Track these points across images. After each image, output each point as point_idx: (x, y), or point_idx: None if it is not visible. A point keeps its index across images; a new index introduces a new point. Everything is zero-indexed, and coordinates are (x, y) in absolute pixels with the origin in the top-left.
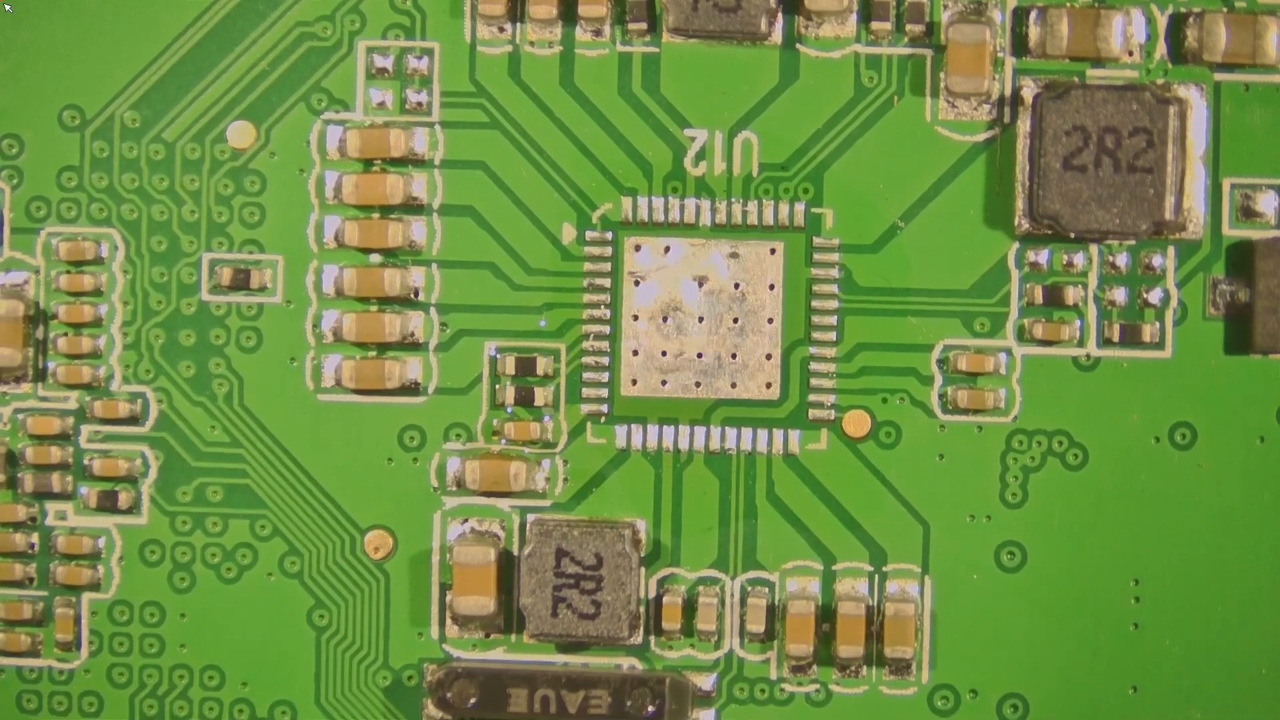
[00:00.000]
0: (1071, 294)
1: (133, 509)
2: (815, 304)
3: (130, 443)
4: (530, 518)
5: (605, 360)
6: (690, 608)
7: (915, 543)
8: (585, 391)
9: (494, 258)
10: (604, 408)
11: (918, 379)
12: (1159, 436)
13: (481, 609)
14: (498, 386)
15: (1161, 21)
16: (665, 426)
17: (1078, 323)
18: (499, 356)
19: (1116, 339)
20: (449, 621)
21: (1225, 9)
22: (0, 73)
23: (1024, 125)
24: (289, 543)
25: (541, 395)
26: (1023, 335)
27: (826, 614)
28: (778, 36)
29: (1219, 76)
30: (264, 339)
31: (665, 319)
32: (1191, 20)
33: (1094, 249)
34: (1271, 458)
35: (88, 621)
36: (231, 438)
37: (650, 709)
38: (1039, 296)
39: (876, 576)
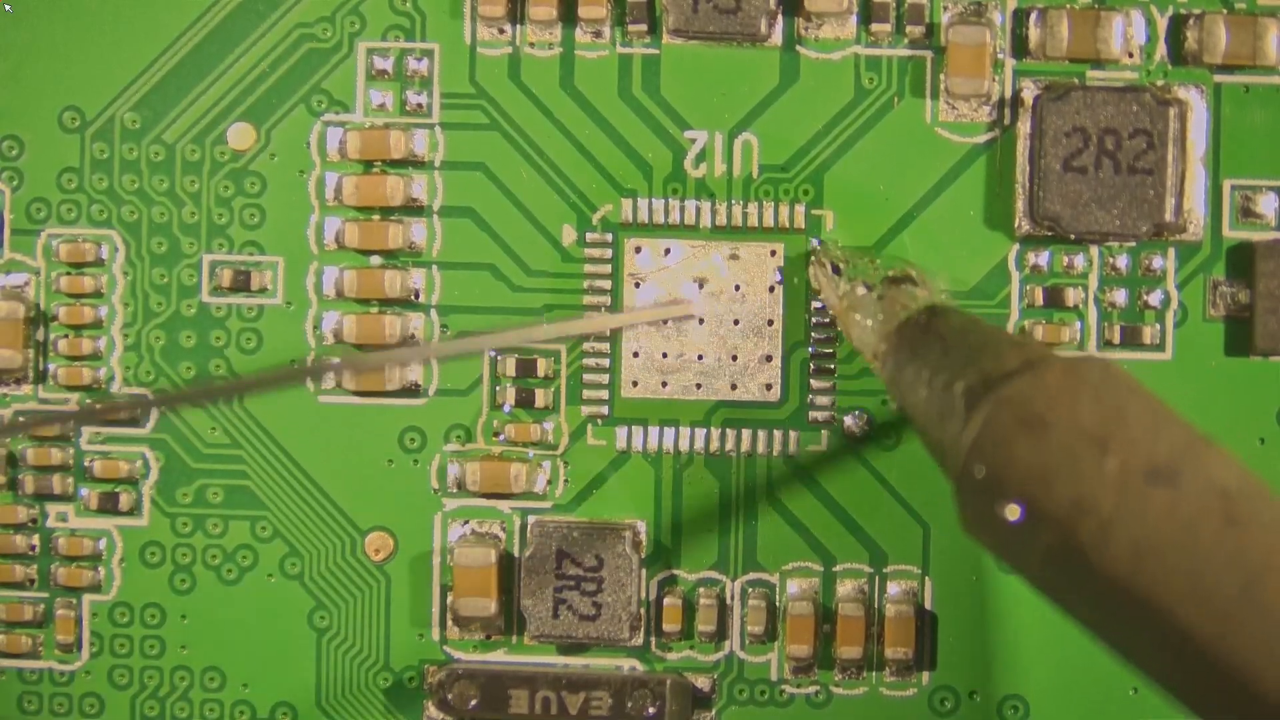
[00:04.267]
0: (1072, 295)
1: (133, 510)
2: (815, 305)
3: (131, 444)
4: (531, 519)
5: (605, 362)
6: (691, 609)
7: (915, 544)
8: (586, 393)
9: (494, 259)
10: (604, 409)
11: None
12: None
13: (482, 610)
14: (498, 388)
15: (1161, 23)
16: (665, 428)
17: (1078, 324)
18: (499, 358)
19: (1117, 340)
20: (450, 623)
21: (1225, 10)
22: (0, 73)
23: (1024, 127)
24: (289, 544)
25: (542, 397)
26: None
27: (827, 615)
28: (778, 38)
29: (1219, 78)
30: (264, 341)
31: (665, 320)
32: (1191, 22)
33: (1094, 250)
34: (1271, 459)
35: (88, 623)
36: (232, 439)
37: (651, 710)
38: (1039, 298)
39: (877, 578)
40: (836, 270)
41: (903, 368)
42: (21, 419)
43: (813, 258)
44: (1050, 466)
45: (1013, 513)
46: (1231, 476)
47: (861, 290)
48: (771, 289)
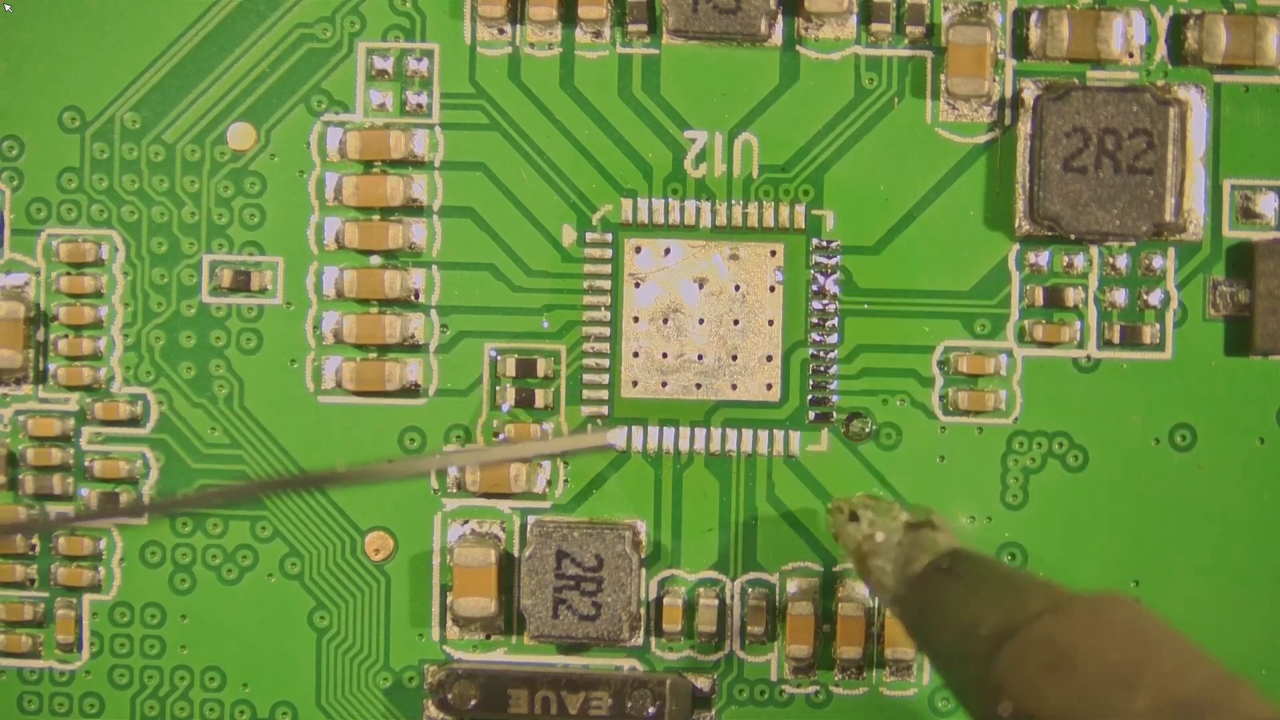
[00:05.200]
0: (1072, 295)
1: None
2: (815, 305)
3: (131, 444)
4: (531, 519)
5: (605, 362)
6: (691, 609)
7: None
8: (585, 393)
9: (494, 259)
10: (604, 409)
11: (918, 380)
12: (1159, 438)
13: (482, 610)
14: (498, 388)
15: (1161, 23)
16: (665, 428)
17: (1078, 324)
18: (499, 358)
19: (1117, 340)
20: (449, 623)
21: (1225, 10)
22: (0, 73)
23: (1024, 127)
24: (289, 544)
25: (542, 397)
26: (1023, 337)
27: (827, 615)
28: (778, 38)
29: (1219, 78)
30: (264, 341)
31: (665, 320)
32: (1191, 22)
33: (1094, 250)
34: (1271, 458)
35: (89, 623)
36: (232, 439)
37: (651, 710)
38: (1039, 298)
39: None
40: (854, 518)
41: (926, 611)
42: (26, 517)
43: (830, 506)
44: (1079, 704)
45: None
46: (1262, 714)
47: (881, 536)
48: (772, 289)
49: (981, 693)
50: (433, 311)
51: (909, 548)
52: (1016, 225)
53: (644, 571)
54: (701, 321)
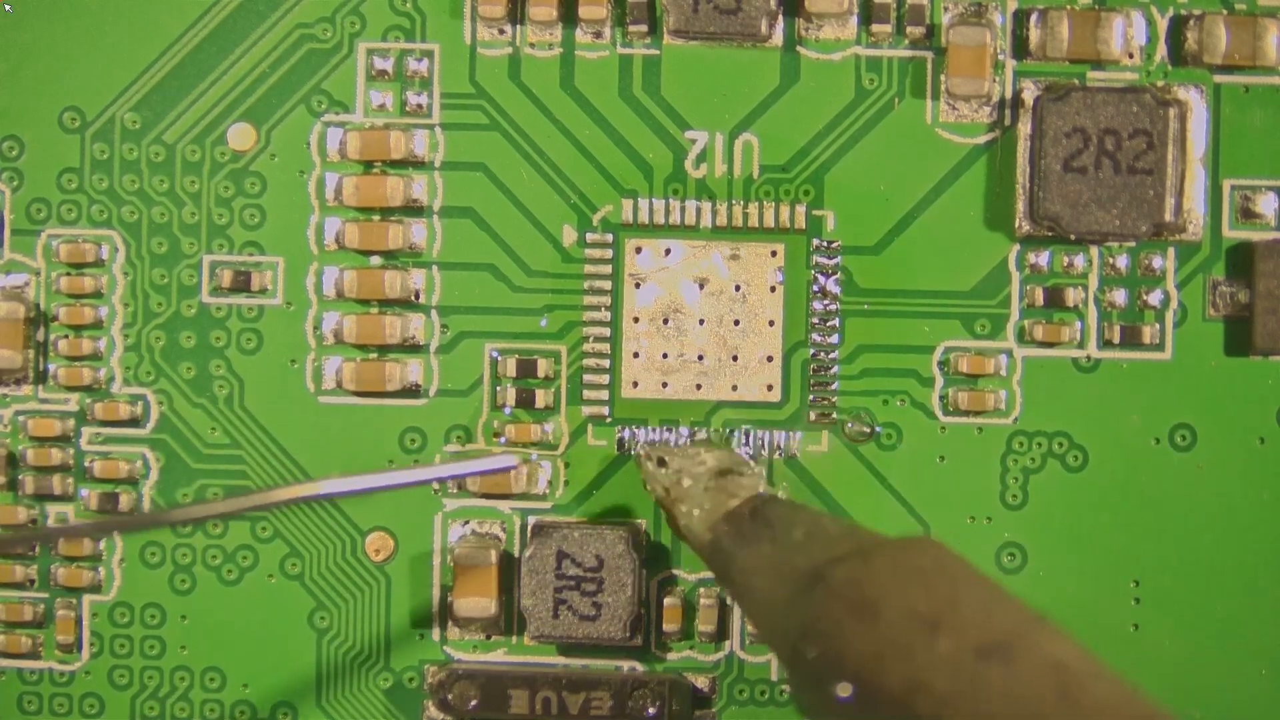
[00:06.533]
0: (1072, 295)
1: (133, 511)
2: (816, 305)
3: (131, 445)
4: (531, 519)
5: (606, 362)
6: (691, 609)
7: None
8: (586, 393)
9: (494, 260)
10: (605, 410)
11: (918, 381)
12: (1159, 438)
13: (482, 611)
14: (499, 388)
15: (1161, 24)
16: (666, 428)
17: (1078, 324)
18: (500, 358)
19: (1117, 340)
20: (450, 623)
21: (1225, 11)
22: (0, 73)
23: (1024, 127)
24: (290, 544)
25: (542, 397)
26: (1023, 337)
27: None
28: (778, 38)
29: (1219, 78)
30: (264, 341)
31: (666, 321)
32: (1191, 22)
33: (1094, 251)
34: (1271, 458)
35: (88, 623)
36: (232, 439)
37: (651, 710)
38: (1039, 298)
39: None
40: (662, 464)
41: (734, 556)
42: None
43: (638, 452)
44: (882, 648)
45: (844, 690)
46: (1065, 651)
47: (687, 482)
48: (772, 289)
49: (789, 637)
50: (433, 312)
51: (716, 493)
52: (1016, 225)
53: (644, 571)
54: (702, 322)
